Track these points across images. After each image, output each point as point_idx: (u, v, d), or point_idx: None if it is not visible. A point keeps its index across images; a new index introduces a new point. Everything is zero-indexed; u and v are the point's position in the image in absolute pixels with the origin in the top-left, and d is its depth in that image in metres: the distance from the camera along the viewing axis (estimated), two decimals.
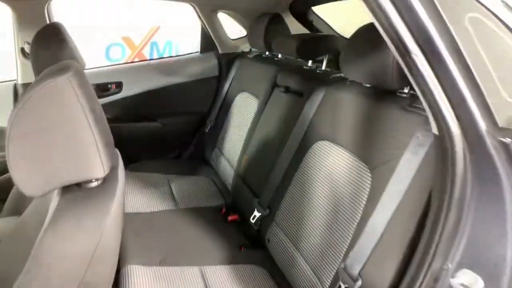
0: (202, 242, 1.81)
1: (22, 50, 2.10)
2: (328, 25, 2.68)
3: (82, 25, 4.34)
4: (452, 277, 0.92)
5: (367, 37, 1.29)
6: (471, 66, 0.79)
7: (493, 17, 0.81)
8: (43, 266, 0.79)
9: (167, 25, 5.39)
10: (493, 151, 0.83)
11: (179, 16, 5.08)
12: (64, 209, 0.83)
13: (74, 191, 0.87)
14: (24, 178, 0.78)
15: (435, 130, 0.90)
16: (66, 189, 0.87)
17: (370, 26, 1.26)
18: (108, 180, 0.91)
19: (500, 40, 0.82)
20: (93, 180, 0.87)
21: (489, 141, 0.83)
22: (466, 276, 0.90)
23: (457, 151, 0.87)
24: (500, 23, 0.81)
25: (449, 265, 0.93)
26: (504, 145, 0.82)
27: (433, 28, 0.76)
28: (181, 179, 2.43)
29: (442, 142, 0.89)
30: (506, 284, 0.85)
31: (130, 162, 2.52)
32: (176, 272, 1.57)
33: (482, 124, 0.82)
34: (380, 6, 0.77)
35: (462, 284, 0.89)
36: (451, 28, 0.77)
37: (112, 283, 0.95)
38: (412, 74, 0.84)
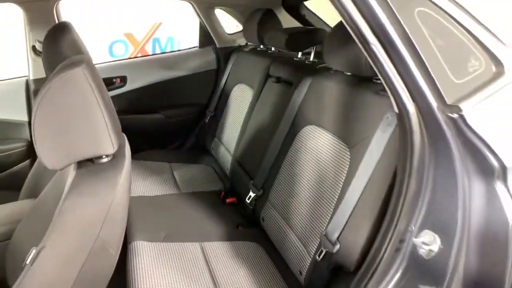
0: (202, 222, 1.97)
1: (33, 47, 2.25)
2: (320, 19, 2.81)
3: (86, 23, 4.46)
4: (416, 237, 1.06)
5: (344, 30, 1.43)
6: (421, 53, 0.93)
7: (438, 10, 0.94)
8: (64, 227, 0.94)
9: (169, 21, 5.49)
10: (444, 126, 0.97)
11: (181, 13, 5.20)
12: (81, 180, 0.98)
13: (88, 166, 1.02)
14: (47, 154, 0.93)
15: (396, 109, 1.05)
16: (81, 164, 1.03)
17: None
18: (117, 157, 1.06)
19: (446, 30, 0.96)
20: (104, 156, 1.03)
21: (440, 117, 0.97)
22: (427, 235, 1.04)
23: (414, 126, 1.02)
24: (445, 15, 0.95)
25: (413, 227, 1.07)
26: (453, 120, 0.96)
27: (387, 22, 0.91)
28: (183, 167, 2.59)
29: (402, 120, 1.04)
30: (457, 237, 0.99)
31: (135, 152, 2.67)
32: (178, 247, 1.73)
33: (433, 102, 0.96)
34: (342, 4, 0.92)
35: (423, 242, 1.04)
36: (402, 21, 0.91)
37: (121, 244, 1.10)
38: (373, 61, 0.98)
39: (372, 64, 1.00)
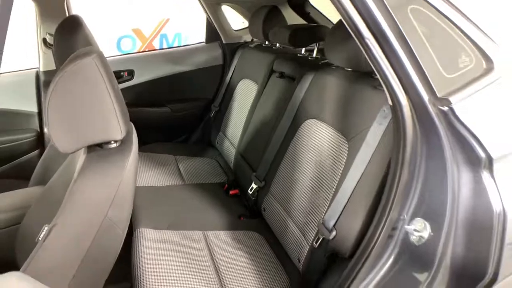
0: (205, 211, 2.03)
1: (44, 40, 2.31)
2: (325, 16, 2.86)
3: (94, 17, 4.51)
4: (408, 225, 1.11)
5: (345, 27, 1.48)
6: (413, 48, 0.98)
7: (431, 7, 1.00)
8: (74, 207, 1.00)
9: (176, 17, 5.54)
10: (435, 118, 1.02)
11: (188, 9, 5.25)
12: (90, 163, 1.04)
13: (97, 150, 1.08)
14: (60, 138, 0.99)
15: (390, 102, 1.10)
16: (91, 149, 1.09)
17: None
18: (125, 143, 1.12)
19: (438, 27, 1.01)
20: (112, 142, 1.09)
21: (431, 109, 1.02)
22: (418, 223, 1.09)
23: (406, 119, 1.07)
24: (438, 13, 1.00)
25: (405, 216, 1.12)
26: (443, 112, 1.01)
27: (381, 17, 0.96)
28: (188, 159, 2.66)
29: (395, 112, 1.09)
30: (446, 225, 1.04)
31: (141, 145, 2.73)
32: (182, 235, 1.79)
33: (424, 96, 1.01)
34: (340, 1, 0.97)
35: (415, 230, 1.09)
36: (395, 17, 0.96)
37: (128, 225, 1.16)
38: (368, 56, 1.03)
39: (367, 58, 1.05)
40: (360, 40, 1.02)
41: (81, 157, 1.10)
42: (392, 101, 1.07)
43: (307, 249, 1.51)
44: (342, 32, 1.50)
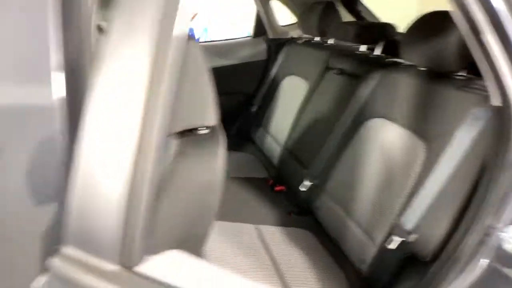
0: (253, 205, 2.02)
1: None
2: (375, 16, 2.81)
3: None
4: (503, 232, 1.06)
5: (430, 23, 1.43)
6: None
7: None
8: (171, 191, 0.97)
9: (204, 12, 5.54)
10: None
11: (215, 5, 5.26)
12: (185, 147, 1.01)
13: (190, 135, 1.05)
14: None
15: (497, 102, 1.05)
16: (183, 134, 1.05)
17: (432, 14, 1.41)
18: (214, 131, 1.09)
19: None
20: (205, 128, 1.05)
21: None
22: None
23: None
24: None
25: (500, 223, 1.07)
26: None
27: (505, 12, 0.92)
28: (227, 153, 2.61)
29: (502, 113, 1.04)
30: None
31: None
32: (236, 227, 1.78)
33: None
34: None
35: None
36: None
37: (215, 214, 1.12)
38: (483, 52, 0.99)
39: (478, 55, 1.01)
40: (477, 35, 0.97)
41: (172, 141, 1.07)
42: (503, 100, 1.03)
43: (374, 251, 1.46)
44: (424, 28, 1.45)
